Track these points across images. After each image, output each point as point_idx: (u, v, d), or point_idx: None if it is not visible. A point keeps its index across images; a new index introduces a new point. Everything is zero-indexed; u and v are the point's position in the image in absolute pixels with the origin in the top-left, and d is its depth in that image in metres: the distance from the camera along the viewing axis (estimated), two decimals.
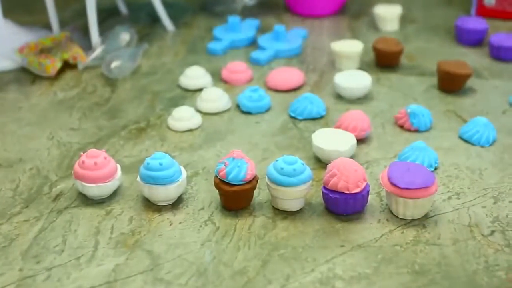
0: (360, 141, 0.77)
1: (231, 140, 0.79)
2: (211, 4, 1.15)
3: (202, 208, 0.67)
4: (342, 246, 0.62)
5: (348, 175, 0.63)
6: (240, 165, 0.64)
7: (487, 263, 0.59)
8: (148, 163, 0.65)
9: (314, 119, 0.82)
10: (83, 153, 0.68)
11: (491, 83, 0.90)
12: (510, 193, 0.65)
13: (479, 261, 0.59)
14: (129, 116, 0.83)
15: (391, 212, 0.65)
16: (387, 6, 1.08)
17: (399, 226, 0.64)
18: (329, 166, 0.65)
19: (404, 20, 1.09)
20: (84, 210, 0.67)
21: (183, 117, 0.80)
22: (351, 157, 0.73)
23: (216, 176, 0.66)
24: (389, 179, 0.63)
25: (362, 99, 0.86)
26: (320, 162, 0.73)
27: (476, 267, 0.59)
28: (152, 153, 0.68)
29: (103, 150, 0.69)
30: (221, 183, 0.65)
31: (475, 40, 1.00)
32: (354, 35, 1.06)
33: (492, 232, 0.63)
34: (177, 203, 0.67)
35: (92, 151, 0.67)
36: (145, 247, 0.62)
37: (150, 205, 0.67)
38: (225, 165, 0.65)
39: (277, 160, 0.65)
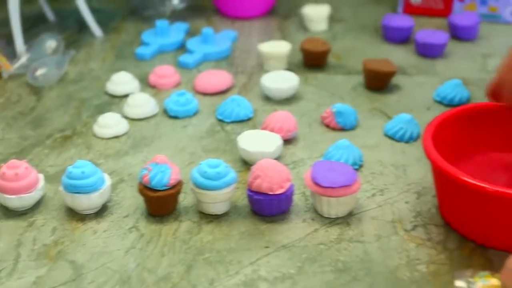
0: (287, 141, 0.77)
1: (158, 145, 0.78)
2: (140, 9, 1.14)
3: (127, 215, 0.66)
4: (267, 247, 0.62)
5: (271, 176, 0.63)
6: (164, 171, 0.64)
7: (408, 257, 0.60)
8: (70, 172, 0.64)
9: (241, 121, 0.82)
10: (4, 164, 0.66)
11: (416, 79, 0.91)
12: (432, 188, 0.66)
13: (401, 256, 0.60)
14: (54, 125, 0.82)
15: (316, 212, 0.66)
16: (316, 6, 1.09)
17: (324, 225, 0.64)
18: (252, 168, 0.65)
19: (332, 19, 1.10)
20: (5, 223, 0.65)
21: (109, 124, 0.79)
22: (277, 158, 0.73)
23: (140, 182, 0.65)
24: (312, 178, 0.64)
25: (289, 100, 0.86)
26: (247, 164, 0.73)
27: (398, 262, 0.59)
28: (77, 161, 0.67)
29: (25, 160, 0.68)
30: (145, 189, 0.65)
31: (401, 38, 1.01)
32: (284, 36, 1.06)
33: (415, 227, 0.64)
34: (101, 211, 0.67)
35: (13, 161, 0.66)
36: (68, 257, 0.61)
37: (74, 215, 0.66)
38: (148, 171, 0.64)
39: (200, 164, 0.65)
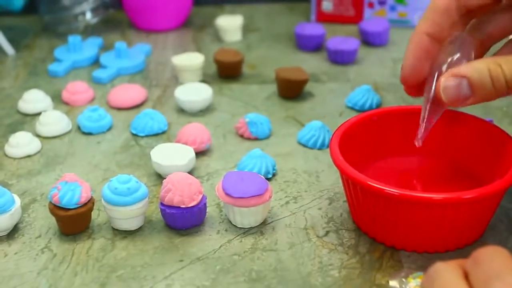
0: (202, 153, 0.77)
1: (72, 162, 0.77)
2: (53, 25, 1.12)
3: (39, 236, 0.65)
4: (181, 260, 0.62)
5: (182, 189, 0.63)
6: (74, 189, 0.63)
7: (321, 263, 0.61)
8: None
9: (156, 134, 0.82)
10: None
11: (328, 86, 0.93)
12: (343, 193, 0.67)
13: (314, 262, 0.61)
14: None
15: (230, 222, 0.66)
16: (229, 17, 1.10)
17: (238, 235, 0.64)
18: (164, 182, 0.65)
19: (246, 29, 1.11)
20: None
21: (20, 143, 0.78)
22: (191, 170, 0.73)
23: (50, 202, 0.64)
24: (223, 190, 0.64)
25: (204, 111, 0.87)
26: (162, 178, 0.73)
27: (311, 269, 0.60)
28: None
29: None
30: (55, 209, 0.64)
31: (313, 46, 1.03)
32: (198, 48, 1.07)
33: (327, 232, 0.65)
34: (12, 233, 0.66)
35: None
36: None
37: None
38: (58, 190, 0.63)
39: (111, 180, 0.64)
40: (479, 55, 0.64)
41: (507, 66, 0.56)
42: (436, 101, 0.61)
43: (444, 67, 0.61)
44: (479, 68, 0.57)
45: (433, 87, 0.61)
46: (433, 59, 0.62)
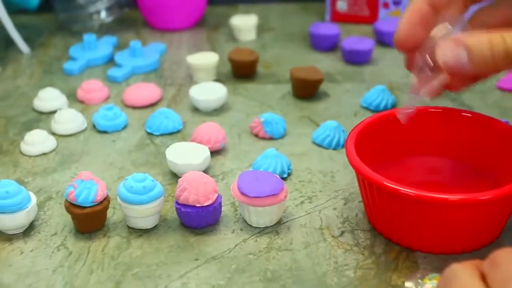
0: (216, 152, 0.77)
1: (87, 161, 0.77)
2: (68, 23, 1.13)
3: (55, 234, 0.66)
4: (197, 259, 0.62)
5: (198, 188, 0.63)
6: (90, 187, 0.63)
7: (336, 263, 0.61)
8: None
9: (171, 133, 0.82)
10: None
11: (343, 86, 0.93)
12: (359, 193, 0.67)
13: (329, 262, 0.61)
14: None
15: (245, 222, 0.66)
16: (244, 16, 1.10)
17: (253, 235, 0.64)
18: (179, 181, 0.65)
19: (261, 29, 1.11)
20: None
21: (36, 141, 0.78)
22: (206, 169, 0.73)
23: (66, 199, 0.65)
24: (239, 189, 0.64)
25: (218, 111, 0.87)
26: (176, 177, 0.73)
27: (326, 269, 0.60)
28: (0, 181, 0.66)
29: None
30: (71, 207, 0.64)
31: (328, 45, 1.03)
32: (213, 47, 1.07)
33: (342, 232, 0.65)
34: (28, 230, 0.66)
35: None
36: None
37: (0, 235, 0.65)
38: (74, 188, 0.64)
39: (126, 179, 0.64)
40: None
41: (510, 37, 0.55)
42: (429, 70, 0.61)
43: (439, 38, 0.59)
44: (480, 36, 0.56)
45: (427, 56, 0.60)
46: (428, 29, 0.61)
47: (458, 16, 0.61)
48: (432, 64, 0.60)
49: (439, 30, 0.60)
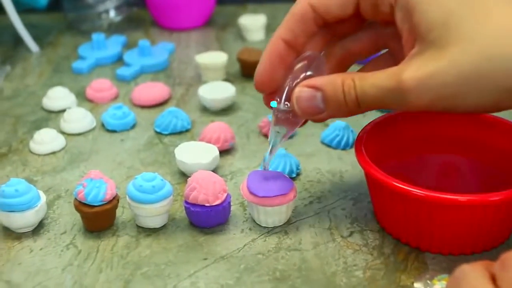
0: (225, 152, 0.77)
1: (96, 160, 0.78)
2: (77, 22, 1.13)
3: (64, 232, 0.66)
4: (205, 259, 0.62)
5: (207, 188, 0.63)
6: (99, 186, 0.64)
7: (345, 264, 0.61)
8: (3, 191, 0.63)
9: (179, 133, 0.82)
10: None
11: None
12: (368, 193, 0.67)
13: (338, 263, 0.61)
14: None
15: (254, 221, 0.66)
16: (252, 16, 1.10)
17: (262, 235, 0.64)
18: (189, 180, 0.65)
19: (269, 29, 1.11)
20: None
21: (45, 140, 0.78)
22: (215, 169, 0.73)
23: (75, 198, 0.65)
24: (248, 188, 0.64)
25: (227, 110, 0.87)
26: (185, 176, 0.73)
27: (335, 269, 0.60)
28: (10, 179, 0.66)
29: None
30: (81, 205, 0.64)
31: None
32: (221, 47, 1.07)
33: (351, 233, 0.64)
34: (38, 229, 0.66)
35: None
36: (3, 277, 0.60)
37: (10, 233, 0.65)
38: (83, 187, 0.64)
39: (136, 178, 0.65)
40: (340, 71, 0.61)
41: (360, 82, 0.55)
42: (287, 115, 0.60)
43: (295, 82, 0.59)
44: (334, 81, 0.56)
45: (283, 99, 0.60)
46: (286, 69, 0.60)
47: (317, 53, 0.60)
48: (290, 109, 0.59)
49: (296, 69, 0.59)
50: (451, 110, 0.54)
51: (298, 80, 0.59)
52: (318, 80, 0.57)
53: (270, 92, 0.62)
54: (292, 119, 0.61)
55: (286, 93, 0.59)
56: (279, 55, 0.60)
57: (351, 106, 0.56)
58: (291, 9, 0.60)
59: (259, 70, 0.62)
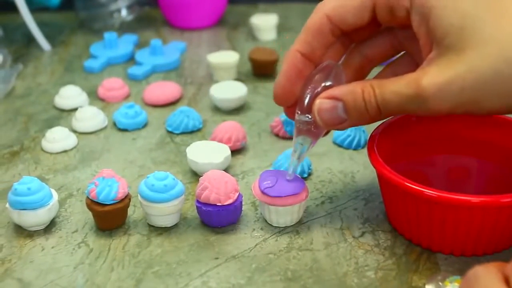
0: (237, 151, 0.77)
1: (107, 158, 0.78)
2: (89, 21, 1.13)
3: (76, 231, 0.66)
4: (217, 258, 0.62)
5: (219, 187, 0.63)
6: (111, 184, 0.64)
7: (357, 264, 0.60)
8: (15, 189, 0.64)
9: (191, 132, 0.82)
10: None
11: None
12: (380, 194, 0.66)
13: (350, 263, 0.61)
14: (2, 141, 0.81)
15: (266, 221, 0.66)
16: (264, 15, 1.10)
17: (273, 234, 0.64)
18: (200, 180, 0.65)
19: (281, 28, 1.11)
20: None
21: (57, 138, 0.79)
22: (226, 168, 0.73)
23: (87, 197, 0.65)
24: (259, 188, 0.64)
25: (238, 110, 0.87)
26: (197, 176, 0.73)
27: (347, 269, 0.60)
28: (23, 177, 0.66)
29: None
30: (92, 204, 0.64)
31: None
32: (233, 46, 1.07)
33: (363, 233, 0.64)
34: (50, 227, 0.66)
35: None
36: (15, 275, 0.60)
37: (22, 231, 0.66)
38: (95, 185, 0.64)
39: (148, 177, 0.65)
40: (359, 78, 0.61)
41: (380, 89, 0.55)
42: (309, 126, 0.60)
43: (315, 92, 0.59)
44: (353, 91, 0.56)
45: (304, 110, 0.60)
46: (304, 82, 0.60)
47: (334, 63, 0.60)
48: (312, 121, 0.59)
49: (315, 80, 0.59)
50: (473, 113, 0.54)
51: (319, 89, 0.59)
52: (338, 91, 0.57)
53: (291, 106, 0.62)
54: (314, 130, 0.61)
55: (307, 104, 0.59)
56: (297, 68, 0.60)
57: (373, 114, 0.56)
58: (307, 22, 0.60)
59: (278, 84, 0.61)
